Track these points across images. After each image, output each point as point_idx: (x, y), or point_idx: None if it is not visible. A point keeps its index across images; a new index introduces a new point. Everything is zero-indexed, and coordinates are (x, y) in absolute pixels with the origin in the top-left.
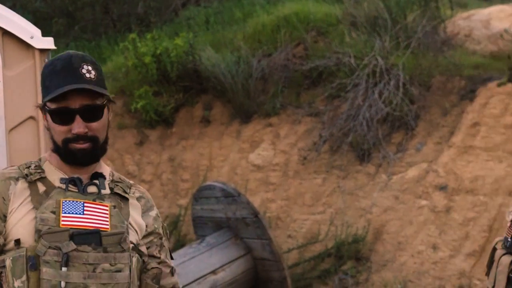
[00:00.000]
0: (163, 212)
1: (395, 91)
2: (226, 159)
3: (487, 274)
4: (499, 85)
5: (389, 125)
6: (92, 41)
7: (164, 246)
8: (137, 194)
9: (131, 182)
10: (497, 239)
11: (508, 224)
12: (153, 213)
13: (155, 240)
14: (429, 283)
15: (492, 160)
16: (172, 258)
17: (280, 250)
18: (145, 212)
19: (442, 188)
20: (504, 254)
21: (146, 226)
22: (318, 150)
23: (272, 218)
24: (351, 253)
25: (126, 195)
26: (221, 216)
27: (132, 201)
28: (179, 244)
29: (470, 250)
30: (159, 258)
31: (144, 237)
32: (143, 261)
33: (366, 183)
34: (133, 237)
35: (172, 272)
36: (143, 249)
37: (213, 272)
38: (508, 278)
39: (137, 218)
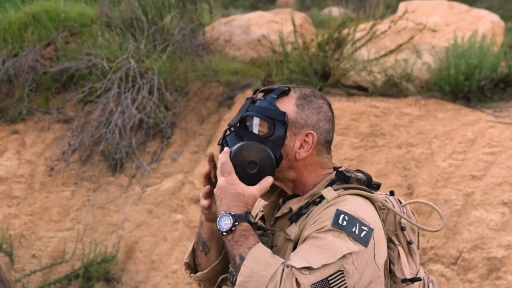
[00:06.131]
0: None
1: (149, 97)
2: None
3: None
4: (254, 91)
5: (143, 133)
6: None
7: None
8: None
9: None
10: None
11: None
12: None
13: None
14: None
15: None
16: None
17: (9, 274)
18: None
19: (198, 201)
20: None
21: None
22: (66, 160)
23: (15, 236)
24: (100, 274)
25: None
26: None
27: None
28: None
29: None
30: None
31: None
32: None
33: (118, 196)
34: None
35: None
36: None
37: None
38: None
39: None
